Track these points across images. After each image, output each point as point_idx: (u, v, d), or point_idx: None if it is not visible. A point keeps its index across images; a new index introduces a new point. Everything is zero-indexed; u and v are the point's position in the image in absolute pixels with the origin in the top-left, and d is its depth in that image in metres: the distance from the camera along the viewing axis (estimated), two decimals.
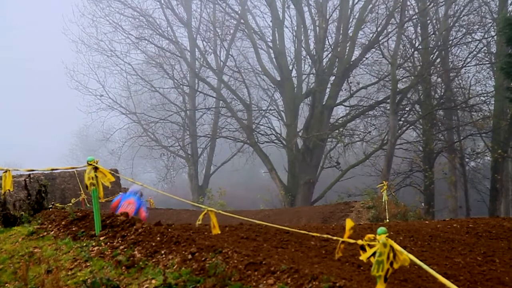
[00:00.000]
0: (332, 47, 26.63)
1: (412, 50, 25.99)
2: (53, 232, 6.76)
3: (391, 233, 6.91)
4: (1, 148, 47.64)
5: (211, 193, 27.82)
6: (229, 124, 31.02)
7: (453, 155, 26.87)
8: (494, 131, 25.21)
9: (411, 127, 28.08)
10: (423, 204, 24.98)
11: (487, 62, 26.62)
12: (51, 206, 8.14)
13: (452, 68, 26.58)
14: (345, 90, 27.33)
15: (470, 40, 26.08)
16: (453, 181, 26.81)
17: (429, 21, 26.37)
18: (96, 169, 6.34)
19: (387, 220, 14.08)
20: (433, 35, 26.40)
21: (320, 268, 4.96)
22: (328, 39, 26.90)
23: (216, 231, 5.62)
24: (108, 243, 6.08)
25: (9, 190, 7.08)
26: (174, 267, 5.20)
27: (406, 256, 3.83)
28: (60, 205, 12.32)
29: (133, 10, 30.81)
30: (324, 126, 26.16)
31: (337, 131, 27.45)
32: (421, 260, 3.83)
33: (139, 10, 30.89)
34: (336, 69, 26.75)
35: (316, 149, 26.25)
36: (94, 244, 6.14)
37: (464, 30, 25.78)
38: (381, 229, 3.95)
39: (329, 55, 26.96)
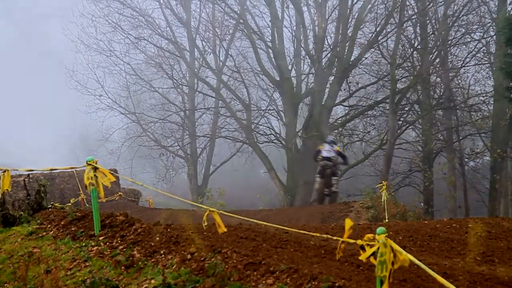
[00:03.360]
0: (331, 47, 26.60)
1: (411, 50, 25.96)
2: (52, 232, 6.76)
3: (390, 233, 6.91)
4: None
5: (210, 193, 27.79)
6: (229, 124, 30.98)
7: (452, 155, 26.86)
8: (494, 131, 25.17)
9: (410, 127, 28.04)
10: (422, 204, 24.98)
11: (486, 62, 26.58)
12: (50, 206, 8.13)
13: (451, 68, 26.55)
14: (344, 90, 27.30)
15: (469, 40, 26.06)
16: (452, 181, 26.77)
17: (428, 21, 26.33)
18: (95, 169, 6.34)
19: (386, 220, 14.07)
20: (432, 35, 26.37)
21: (320, 268, 4.96)
22: (327, 39, 26.89)
23: (222, 229, 5.62)
24: (107, 243, 6.08)
25: (7, 190, 7.07)
26: (173, 267, 5.20)
27: (405, 256, 3.83)
28: (59, 205, 12.26)
29: (132, 10, 30.77)
30: (324, 126, 26.14)
31: (336, 131, 27.44)
32: (420, 260, 3.84)
33: (138, 10, 30.87)
34: (335, 69, 26.71)
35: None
36: (93, 244, 6.14)
37: (463, 30, 25.76)
38: (380, 229, 3.95)
39: (328, 55, 26.91)
